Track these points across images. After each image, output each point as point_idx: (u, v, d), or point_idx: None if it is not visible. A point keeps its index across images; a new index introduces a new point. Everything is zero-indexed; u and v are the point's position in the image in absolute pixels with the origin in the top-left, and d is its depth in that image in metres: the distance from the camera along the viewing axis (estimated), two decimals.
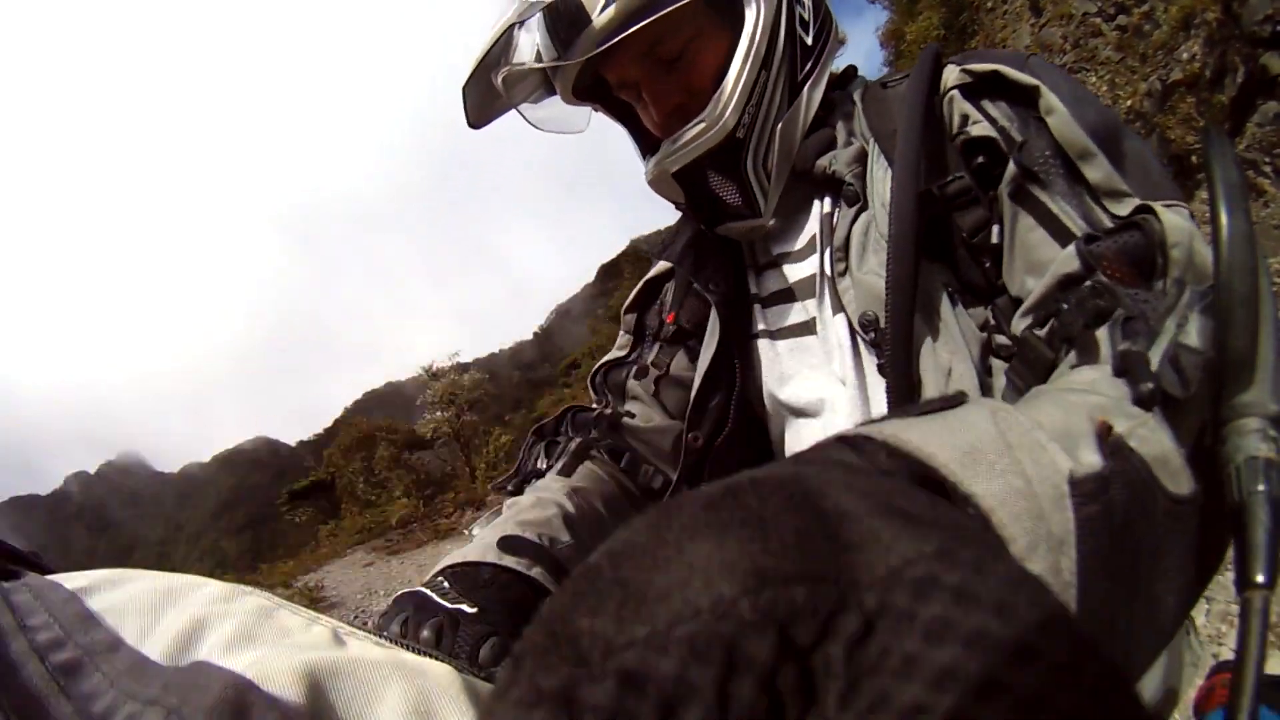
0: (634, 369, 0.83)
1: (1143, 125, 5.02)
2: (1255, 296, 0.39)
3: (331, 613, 8.21)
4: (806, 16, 0.67)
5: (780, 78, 0.64)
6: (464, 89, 0.69)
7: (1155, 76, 4.82)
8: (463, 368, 17.63)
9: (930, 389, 0.55)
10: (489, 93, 0.69)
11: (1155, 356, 0.38)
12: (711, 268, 0.73)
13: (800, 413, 0.71)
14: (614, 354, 0.87)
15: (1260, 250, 0.42)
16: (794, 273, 0.70)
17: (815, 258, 0.67)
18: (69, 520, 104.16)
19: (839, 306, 0.64)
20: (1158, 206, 0.49)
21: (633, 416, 0.81)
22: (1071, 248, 0.50)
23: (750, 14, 0.62)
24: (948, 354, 0.56)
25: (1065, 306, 0.48)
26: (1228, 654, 2.16)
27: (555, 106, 0.73)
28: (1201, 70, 4.35)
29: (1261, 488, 0.36)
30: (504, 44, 0.64)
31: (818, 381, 0.68)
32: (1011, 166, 0.55)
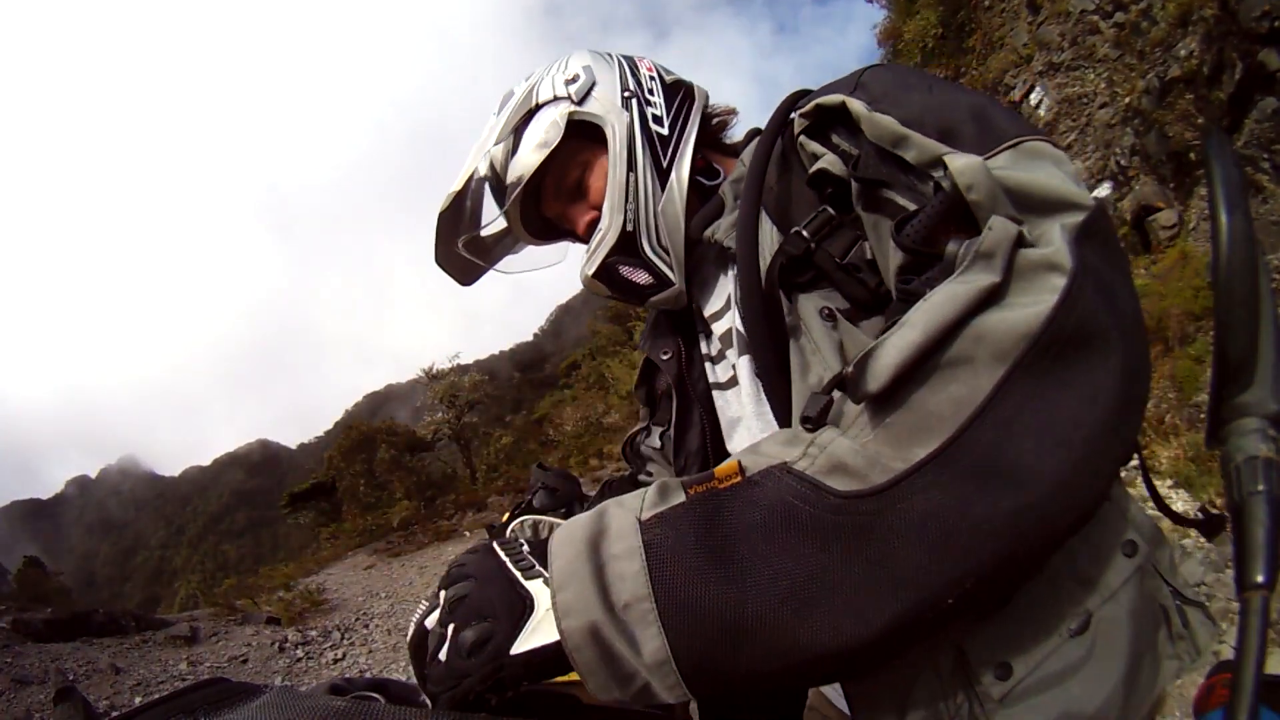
0: (647, 434, 0.95)
1: (1141, 122, 5.02)
2: (1255, 297, 0.39)
3: (333, 615, 8.19)
4: (659, 112, 0.79)
5: (647, 171, 0.76)
6: (438, 263, 0.86)
7: (1153, 73, 4.82)
8: (463, 369, 17.63)
9: (797, 408, 0.61)
10: (465, 260, 0.87)
11: (859, 358, 0.44)
12: (666, 339, 0.85)
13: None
14: (636, 426, 0.99)
15: (1260, 249, 0.42)
16: (719, 330, 0.79)
17: (731, 314, 0.76)
18: (71, 524, 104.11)
19: (745, 350, 0.73)
20: (947, 155, 0.50)
21: (650, 475, 0.93)
22: (891, 243, 0.53)
23: (609, 133, 0.76)
24: (817, 375, 0.60)
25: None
26: (1228, 653, 2.16)
27: (533, 250, 0.91)
28: (1199, 67, 4.35)
29: (1261, 488, 0.36)
30: (455, 214, 0.83)
31: (748, 426, 0.76)
32: (854, 184, 0.59)
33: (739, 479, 0.42)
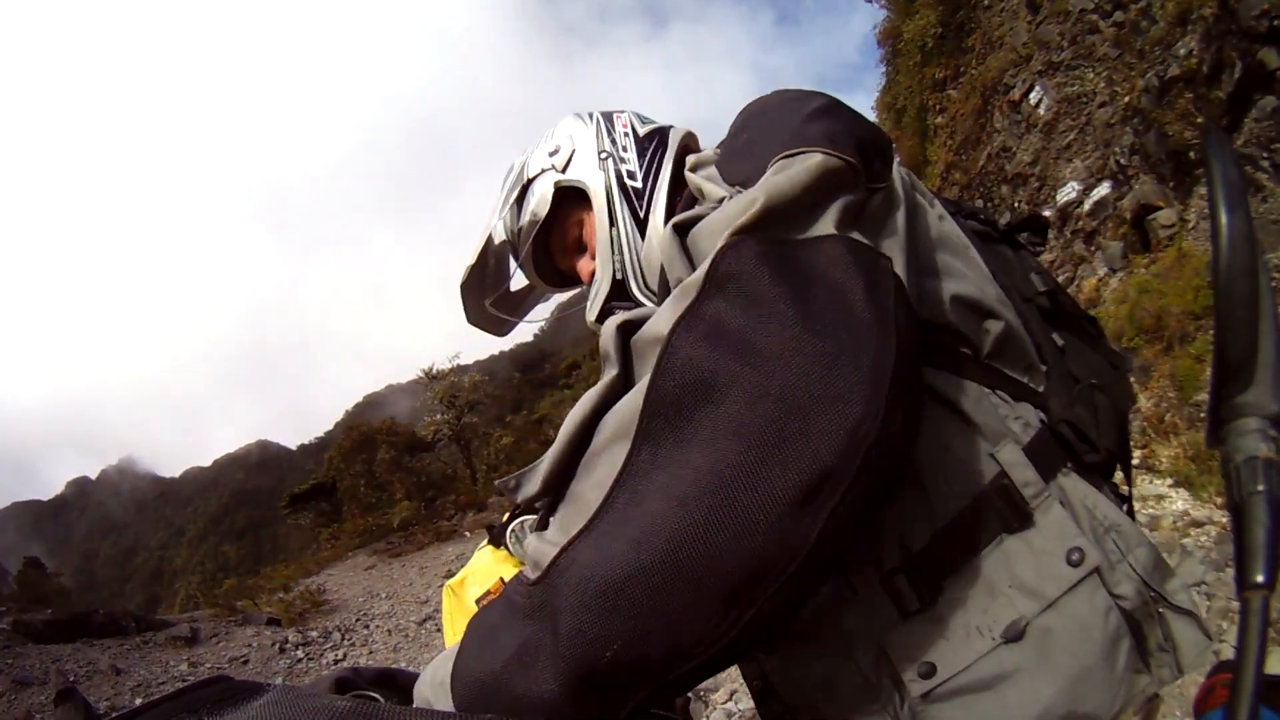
0: None
1: (1140, 121, 5.02)
2: (1255, 296, 0.39)
3: (333, 615, 8.19)
4: (631, 168, 0.87)
5: (626, 223, 0.85)
6: (471, 323, 0.99)
7: (1153, 72, 4.82)
8: (463, 369, 17.63)
9: None
10: (497, 317, 1.01)
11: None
12: None
13: None
14: None
15: (1260, 248, 0.42)
16: None
17: None
18: (71, 525, 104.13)
19: None
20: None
21: None
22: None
23: (590, 195, 0.86)
24: None
25: None
26: (1228, 652, 2.16)
27: (559, 295, 1.04)
28: (1199, 66, 4.35)
29: (1261, 488, 0.36)
30: (476, 284, 0.97)
31: None
32: None
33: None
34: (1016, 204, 7.13)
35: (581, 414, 0.48)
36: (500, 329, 1.03)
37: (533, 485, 0.51)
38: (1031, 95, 6.62)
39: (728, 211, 0.49)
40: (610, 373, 0.48)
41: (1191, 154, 4.54)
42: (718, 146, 0.67)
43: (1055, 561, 0.55)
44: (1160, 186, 4.84)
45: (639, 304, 0.83)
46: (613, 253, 0.85)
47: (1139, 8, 5.05)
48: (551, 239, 0.92)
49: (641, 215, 0.86)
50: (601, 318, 0.85)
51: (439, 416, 16.07)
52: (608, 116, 0.93)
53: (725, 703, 3.38)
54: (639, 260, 0.85)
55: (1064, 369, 0.68)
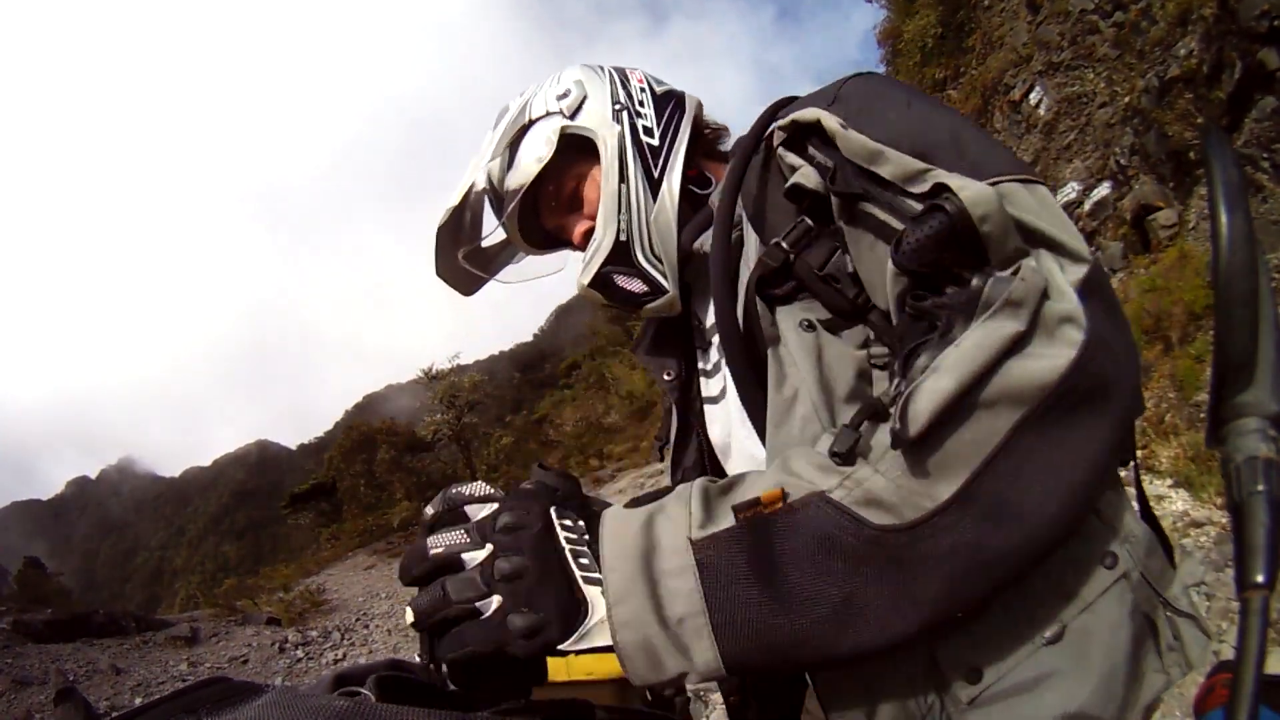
0: (659, 445, 0.96)
1: (1141, 121, 5.02)
2: (1255, 296, 0.39)
3: (333, 615, 8.19)
4: (649, 124, 0.81)
5: (639, 182, 0.78)
6: (439, 275, 0.88)
7: (1153, 73, 4.82)
8: (462, 369, 17.63)
9: (771, 419, 0.63)
10: (466, 272, 0.90)
11: (899, 404, 0.45)
12: (668, 357, 0.86)
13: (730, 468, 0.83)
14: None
15: (1260, 248, 0.42)
16: (716, 341, 0.80)
17: None
18: (71, 525, 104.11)
19: None
20: (953, 180, 0.50)
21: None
22: (889, 260, 0.52)
23: (600, 146, 0.79)
24: (793, 387, 0.62)
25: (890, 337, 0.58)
26: (1228, 652, 2.16)
27: (534, 259, 0.94)
28: (1199, 66, 4.35)
29: (1261, 488, 0.36)
30: (454, 227, 0.86)
31: (738, 440, 0.78)
32: (834, 197, 0.59)
33: (780, 505, 0.45)
34: None
35: (979, 362, 0.44)
36: (469, 286, 0.92)
37: (917, 424, 0.44)
38: (1031, 95, 6.61)
39: (1060, 223, 0.52)
40: (1013, 327, 0.44)
41: (1191, 154, 4.54)
42: (835, 109, 0.62)
43: (1093, 566, 0.56)
44: (1160, 187, 4.84)
45: (641, 270, 0.78)
46: (619, 211, 0.78)
47: (1139, 8, 5.05)
48: (542, 192, 0.83)
49: (655, 175, 0.79)
50: (597, 282, 0.80)
51: (439, 416, 16.07)
52: (620, 71, 0.86)
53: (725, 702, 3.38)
54: (647, 223, 0.78)
55: None
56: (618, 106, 0.81)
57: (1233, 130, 4.07)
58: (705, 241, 0.74)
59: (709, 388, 0.83)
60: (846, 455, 0.46)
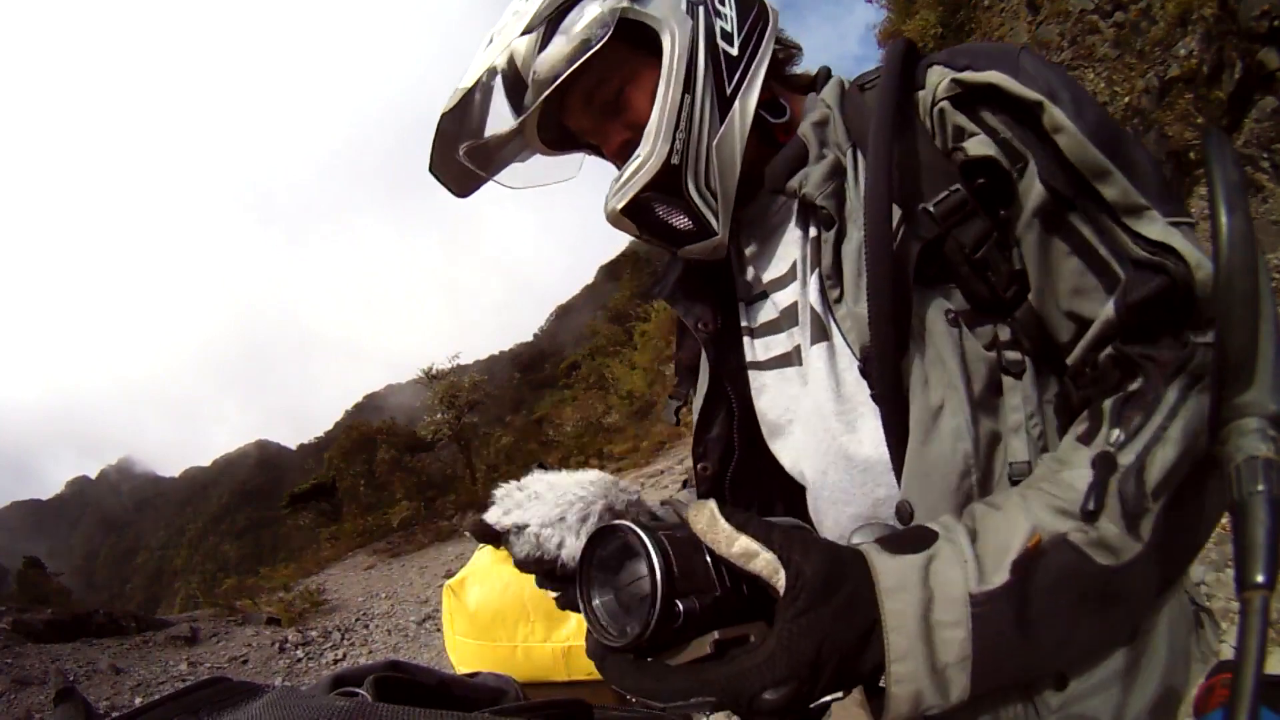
0: (676, 407, 0.87)
1: (1141, 121, 5.02)
2: (1255, 296, 0.39)
3: (333, 615, 8.18)
4: (729, 27, 0.66)
5: (707, 96, 0.65)
6: (433, 170, 0.74)
7: (1153, 73, 4.82)
8: (463, 369, 17.63)
9: (916, 430, 0.57)
10: (464, 169, 0.75)
11: (1128, 459, 0.48)
12: (701, 304, 0.75)
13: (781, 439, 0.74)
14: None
15: (1260, 249, 0.42)
16: (780, 300, 0.70)
17: (797, 284, 0.68)
18: (72, 525, 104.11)
19: (820, 335, 0.65)
20: (1178, 241, 0.50)
21: None
22: (1110, 304, 0.52)
23: (666, 42, 0.64)
24: (939, 393, 0.56)
25: (1090, 370, 0.55)
26: (1228, 652, 2.16)
27: (542, 161, 0.79)
28: (1199, 66, 4.35)
29: (1261, 488, 0.36)
30: (461, 115, 0.70)
31: (800, 411, 0.69)
32: (1040, 190, 0.54)
33: (1036, 547, 0.46)
34: None
35: (1196, 436, 0.47)
36: (463, 186, 0.77)
37: (1153, 497, 0.48)
38: None
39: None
40: None
41: (1192, 154, 4.54)
42: (1028, 84, 0.55)
43: None
44: None
45: (689, 203, 0.66)
46: (677, 127, 0.64)
47: (1139, 8, 5.05)
48: (578, 86, 0.67)
49: (728, 92, 0.66)
50: (631, 208, 0.67)
51: (439, 416, 16.06)
52: None
53: None
54: (709, 149, 0.65)
55: None
56: (693, 2, 0.66)
57: (1233, 130, 4.07)
58: (805, 181, 0.62)
59: (757, 349, 0.73)
60: (1095, 512, 0.47)
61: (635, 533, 0.44)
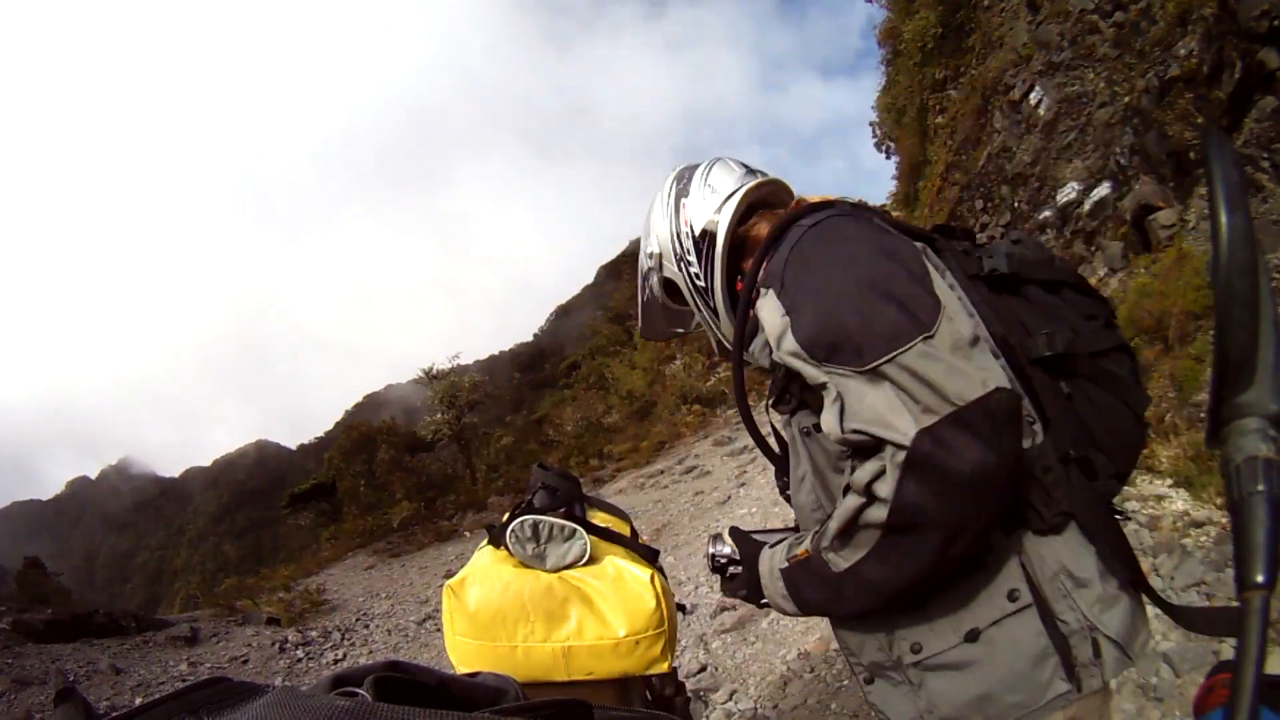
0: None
1: (1141, 122, 5.02)
2: (1255, 296, 0.39)
3: (333, 615, 8.15)
4: (695, 269, 1.14)
5: (704, 310, 1.18)
6: (643, 334, 1.43)
7: (1153, 73, 4.82)
8: (463, 369, 17.61)
9: (794, 488, 1.07)
10: (668, 330, 1.38)
11: (828, 525, 0.92)
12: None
13: None
14: None
15: (1260, 248, 0.42)
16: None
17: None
18: (71, 525, 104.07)
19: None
20: (825, 419, 0.87)
21: None
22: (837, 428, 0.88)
23: (682, 286, 1.19)
24: (801, 473, 1.03)
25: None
26: (1228, 652, 2.16)
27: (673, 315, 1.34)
28: (1199, 66, 4.35)
29: (1261, 488, 0.36)
30: (642, 313, 1.35)
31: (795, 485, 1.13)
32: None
33: (806, 556, 0.96)
34: (1017, 204, 7.12)
35: (848, 516, 0.91)
36: (667, 337, 1.45)
37: (828, 541, 0.94)
38: (1031, 95, 6.61)
39: (888, 407, 0.82)
40: (857, 502, 0.87)
41: (1192, 154, 4.54)
42: (781, 298, 0.93)
43: (996, 598, 0.88)
44: (1160, 187, 4.84)
45: (719, 340, 1.22)
46: (706, 327, 1.21)
47: (1139, 8, 5.05)
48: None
49: (711, 306, 1.16)
50: (716, 352, 1.29)
51: (439, 416, 16.05)
52: (678, 210, 1.15)
53: (725, 703, 3.37)
54: (721, 329, 1.17)
55: (1073, 416, 0.91)
56: (678, 258, 1.16)
57: (1233, 130, 4.07)
58: (752, 355, 1.08)
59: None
60: (822, 548, 0.92)
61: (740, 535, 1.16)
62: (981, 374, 0.79)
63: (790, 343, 0.87)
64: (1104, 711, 0.89)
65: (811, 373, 0.86)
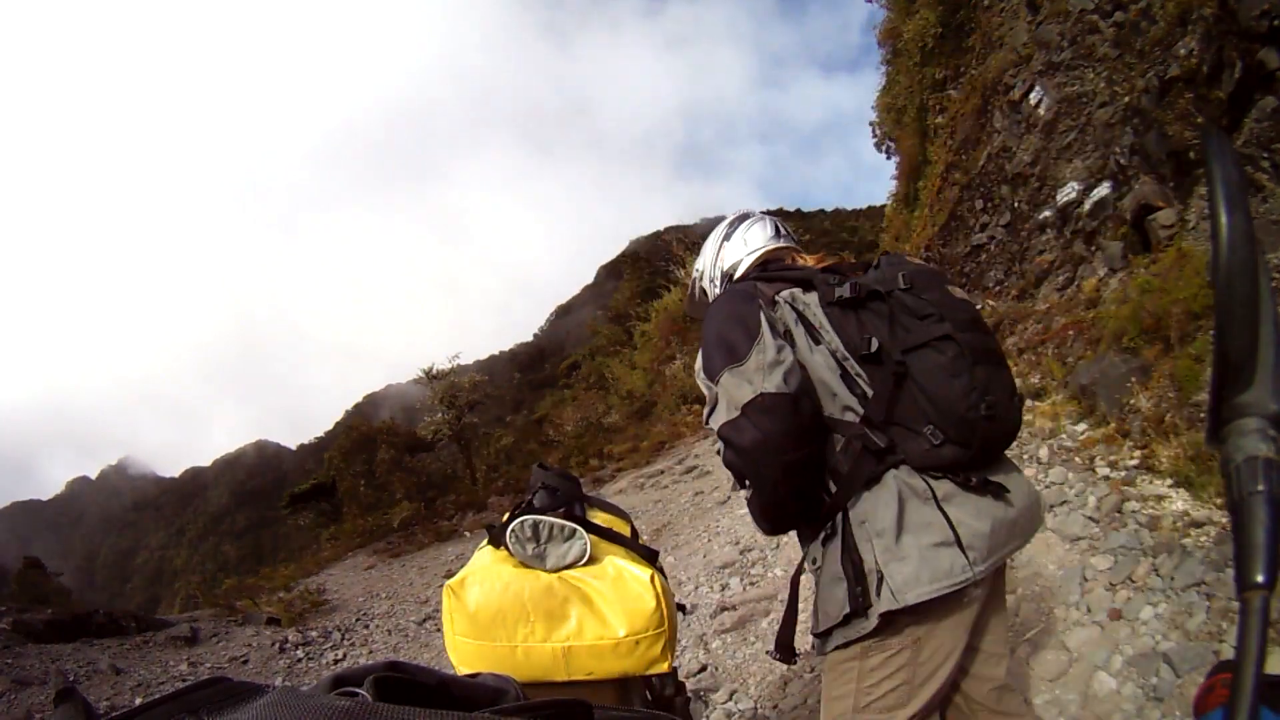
0: None
1: (1141, 121, 5.02)
2: (1255, 296, 0.39)
3: (333, 615, 8.13)
4: (718, 290, 1.67)
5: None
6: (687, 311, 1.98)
7: (1153, 73, 4.82)
8: (463, 369, 17.61)
9: None
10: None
11: None
12: None
13: None
14: None
15: (1260, 248, 0.42)
16: None
17: None
18: (71, 525, 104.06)
19: None
20: (717, 420, 1.31)
21: None
22: None
23: (709, 292, 1.74)
24: None
25: None
26: (1228, 652, 2.16)
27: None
28: (1199, 66, 4.35)
29: (1261, 488, 0.36)
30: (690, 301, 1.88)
31: None
32: None
33: None
34: (1016, 204, 7.12)
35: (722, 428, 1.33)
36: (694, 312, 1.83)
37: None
38: (1031, 95, 6.61)
39: (736, 392, 1.26)
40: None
41: (1192, 154, 4.54)
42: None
43: (824, 529, 1.30)
44: (1160, 186, 4.84)
45: None
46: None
47: (1139, 8, 5.05)
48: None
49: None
50: None
51: (439, 416, 16.06)
52: (721, 247, 1.67)
53: (725, 703, 3.37)
54: None
55: (907, 395, 1.22)
56: (711, 280, 1.69)
57: (1233, 130, 4.06)
58: None
59: None
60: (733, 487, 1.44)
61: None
62: (761, 386, 1.19)
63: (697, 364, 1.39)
64: (887, 661, 1.20)
65: (703, 383, 1.35)
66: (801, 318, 1.30)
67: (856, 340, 1.24)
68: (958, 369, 1.17)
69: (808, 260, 1.51)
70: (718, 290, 1.61)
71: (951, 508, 1.17)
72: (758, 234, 1.60)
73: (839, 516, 1.23)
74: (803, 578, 1.51)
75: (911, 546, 1.15)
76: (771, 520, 1.31)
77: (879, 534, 1.17)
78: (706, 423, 1.31)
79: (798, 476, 1.22)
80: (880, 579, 1.16)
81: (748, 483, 1.27)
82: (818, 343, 1.27)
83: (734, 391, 1.21)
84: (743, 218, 1.65)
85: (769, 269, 1.50)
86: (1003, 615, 1.40)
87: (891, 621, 1.17)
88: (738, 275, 1.56)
